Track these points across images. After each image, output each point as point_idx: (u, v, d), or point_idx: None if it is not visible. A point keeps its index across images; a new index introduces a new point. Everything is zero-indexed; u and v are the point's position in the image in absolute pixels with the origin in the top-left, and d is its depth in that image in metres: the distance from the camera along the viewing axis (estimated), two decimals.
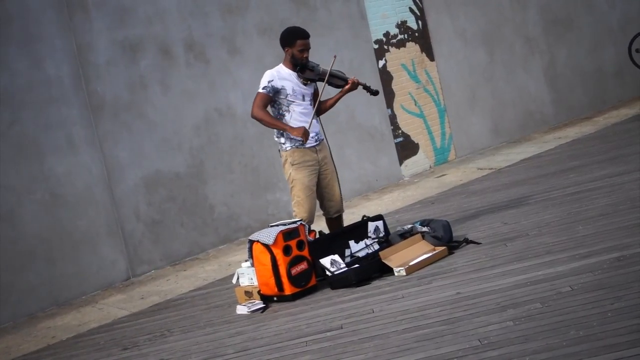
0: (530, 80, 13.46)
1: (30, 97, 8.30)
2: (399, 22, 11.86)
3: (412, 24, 12.03)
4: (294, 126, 7.09)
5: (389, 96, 11.55)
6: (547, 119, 13.60)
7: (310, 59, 7.26)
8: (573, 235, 6.62)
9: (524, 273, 5.87)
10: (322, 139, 7.35)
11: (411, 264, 6.69)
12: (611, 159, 9.55)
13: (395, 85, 11.66)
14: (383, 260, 6.74)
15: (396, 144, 11.57)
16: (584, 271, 5.58)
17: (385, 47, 11.64)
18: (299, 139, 7.09)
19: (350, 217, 9.23)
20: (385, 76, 11.55)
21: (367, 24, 11.41)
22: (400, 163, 11.60)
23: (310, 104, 7.25)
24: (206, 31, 9.72)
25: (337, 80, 7.33)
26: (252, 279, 6.82)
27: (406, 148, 11.71)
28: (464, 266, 6.46)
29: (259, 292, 6.71)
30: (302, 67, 7.19)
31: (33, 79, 8.34)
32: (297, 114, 7.15)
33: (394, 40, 11.76)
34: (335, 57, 7.37)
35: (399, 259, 6.77)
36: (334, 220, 7.45)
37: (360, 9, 11.36)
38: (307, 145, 7.17)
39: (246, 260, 6.94)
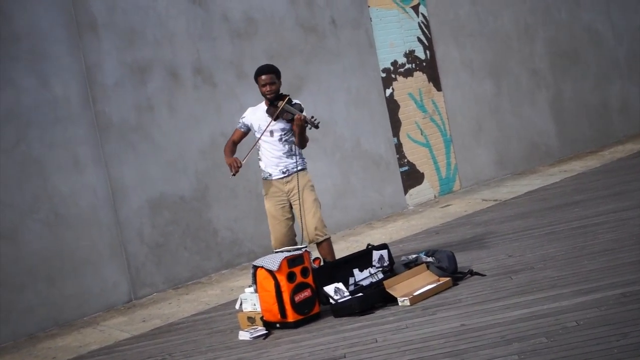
0: (536, 113, 13.47)
1: (37, 116, 8.30)
2: (407, 52, 11.88)
3: (420, 53, 12.05)
4: (266, 162, 7.50)
5: (396, 125, 11.55)
6: (553, 152, 13.60)
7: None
8: (578, 269, 6.59)
9: (529, 306, 5.84)
10: (294, 172, 7.48)
11: (415, 294, 6.66)
12: (616, 194, 9.54)
13: (401, 114, 11.67)
14: (387, 290, 6.72)
15: (401, 173, 11.56)
16: (590, 306, 5.55)
17: (393, 76, 11.66)
18: (267, 172, 7.50)
19: (354, 245, 9.23)
20: (392, 105, 11.56)
21: (375, 53, 11.44)
22: (405, 192, 11.58)
23: (280, 139, 7.42)
24: (214, 55, 9.74)
25: (287, 115, 7.41)
26: (255, 304, 6.79)
27: (411, 177, 11.70)
28: (469, 298, 6.43)
29: (261, 318, 6.68)
30: (270, 103, 7.42)
31: (40, 98, 8.35)
32: (265, 150, 7.50)
33: (402, 70, 11.78)
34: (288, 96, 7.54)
35: (403, 288, 6.75)
36: (317, 246, 7.51)
37: (369, 38, 11.38)
38: (274, 177, 7.48)
39: (250, 286, 6.92)
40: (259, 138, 7.49)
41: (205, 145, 9.53)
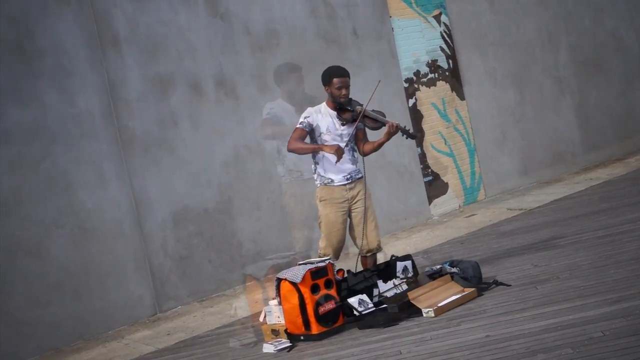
0: (561, 121, 13.39)
1: (61, 132, 8.35)
2: (430, 61, 11.86)
3: (443, 63, 12.03)
4: (327, 167, 7.24)
5: (419, 135, 11.52)
6: (578, 159, 13.51)
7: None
8: (604, 279, 6.53)
9: (555, 317, 5.79)
10: (358, 178, 7.37)
11: (440, 305, 6.62)
12: None
13: (425, 124, 11.64)
14: (411, 301, 6.69)
15: (425, 182, 11.52)
16: (616, 316, 5.50)
17: (416, 85, 11.63)
18: (328, 177, 7.24)
19: (378, 256, 9.17)
20: (416, 115, 11.54)
21: (397, 63, 11.42)
22: (430, 202, 11.54)
23: (347, 145, 7.25)
24: (237, 68, 9.76)
25: (371, 122, 7.28)
26: (279, 317, 6.78)
27: (435, 187, 11.66)
28: (494, 308, 6.39)
29: (285, 330, 6.66)
30: (341, 107, 7.21)
31: (64, 114, 8.40)
32: (328, 155, 7.22)
33: (425, 79, 11.76)
34: (379, 81, 7.34)
35: (427, 299, 6.72)
36: (366, 258, 7.43)
37: (391, 48, 11.37)
38: (337, 184, 7.25)
39: (273, 298, 6.91)
40: (348, 142, 7.24)
41: (228, 157, 9.54)
